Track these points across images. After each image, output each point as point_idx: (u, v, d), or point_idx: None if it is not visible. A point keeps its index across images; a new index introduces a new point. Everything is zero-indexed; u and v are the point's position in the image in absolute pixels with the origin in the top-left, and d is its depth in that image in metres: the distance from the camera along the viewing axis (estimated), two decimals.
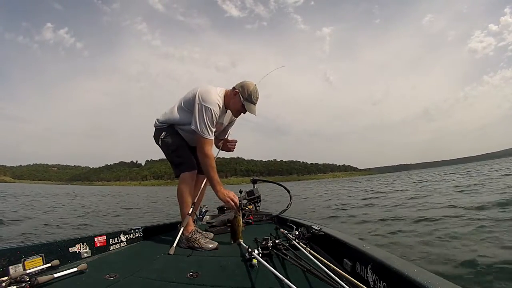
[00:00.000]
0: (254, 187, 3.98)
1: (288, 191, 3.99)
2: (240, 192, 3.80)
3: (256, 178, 4.27)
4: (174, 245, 2.29)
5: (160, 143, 2.61)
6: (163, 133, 2.58)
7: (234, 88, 2.50)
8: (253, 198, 3.83)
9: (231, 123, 2.85)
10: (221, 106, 2.45)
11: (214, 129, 2.43)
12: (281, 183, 4.40)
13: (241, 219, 2.50)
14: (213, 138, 2.44)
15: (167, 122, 2.60)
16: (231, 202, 2.41)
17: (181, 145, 2.59)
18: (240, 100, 2.44)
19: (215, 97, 2.40)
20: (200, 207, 2.80)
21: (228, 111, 2.62)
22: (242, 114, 2.60)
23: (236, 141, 2.90)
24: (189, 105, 2.46)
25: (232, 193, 2.44)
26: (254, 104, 2.49)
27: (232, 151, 2.93)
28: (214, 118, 2.39)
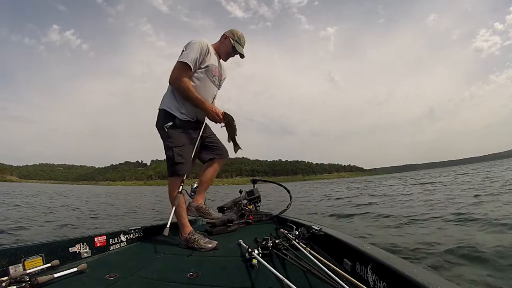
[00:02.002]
0: (254, 187, 3.97)
1: (288, 191, 3.97)
2: (240, 192, 3.82)
3: (256, 178, 4.25)
4: (168, 225, 2.28)
5: (165, 130, 2.50)
6: (170, 123, 2.49)
7: (223, 34, 2.73)
8: (253, 198, 3.80)
9: (223, 77, 2.87)
10: (210, 48, 2.57)
11: (196, 59, 2.44)
12: (281, 183, 4.37)
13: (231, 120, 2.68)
14: (191, 65, 2.42)
15: (173, 101, 2.53)
16: (216, 117, 2.57)
17: (187, 144, 2.55)
18: (231, 42, 2.67)
19: (203, 39, 2.53)
20: (191, 184, 2.77)
21: (221, 62, 2.76)
22: (231, 58, 2.78)
23: (223, 112, 2.66)
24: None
25: (219, 109, 2.59)
26: (242, 46, 2.74)
27: (217, 121, 2.67)
28: (200, 50, 2.46)
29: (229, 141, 2.80)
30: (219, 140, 2.95)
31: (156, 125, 2.59)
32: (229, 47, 2.69)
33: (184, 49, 2.48)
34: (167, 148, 2.51)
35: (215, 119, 2.59)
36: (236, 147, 2.84)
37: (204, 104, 2.51)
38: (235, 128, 2.73)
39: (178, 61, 2.44)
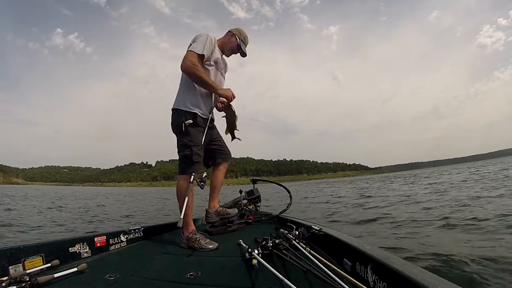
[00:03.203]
0: (254, 187, 3.95)
1: (288, 191, 3.96)
2: (240, 192, 3.80)
3: (256, 178, 4.23)
4: (182, 216, 2.31)
5: (183, 128, 2.48)
6: (191, 121, 2.49)
7: (229, 31, 2.85)
8: (253, 198, 3.79)
9: (226, 71, 2.93)
10: (216, 42, 2.67)
11: (207, 51, 2.50)
12: (281, 183, 4.36)
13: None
14: (203, 54, 2.48)
15: (192, 99, 2.54)
16: (230, 96, 2.67)
17: (202, 143, 2.58)
18: (237, 40, 2.79)
19: (210, 33, 2.62)
20: (201, 175, 2.81)
21: (223, 57, 2.82)
22: (233, 54, 2.88)
23: (225, 101, 2.80)
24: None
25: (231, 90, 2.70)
26: (246, 46, 2.89)
27: (220, 110, 2.87)
28: (209, 42, 2.53)
29: (226, 133, 2.93)
30: (224, 142, 3.02)
31: (173, 123, 2.57)
32: (235, 44, 2.80)
33: (192, 42, 2.52)
34: (185, 146, 2.50)
35: (229, 97, 2.68)
36: (233, 138, 2.98)
37: (217, 87, 2.59)
38: (235, 122, 2.87)
39: (189, 50, 2.47)
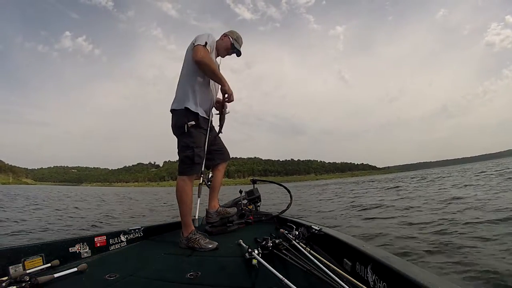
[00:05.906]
0: (254, 187, 3.96)
1: (289, 191, 3.95)
2: (240, 192, 3.80)
3: (256, 178, 4.24)
4: (196, 216, 2.47)
5: (185, 129, 2.46)
6: (193, 122, 2.48)
7: (223, 34, 2.94)
8: (253, 198, 3.79)
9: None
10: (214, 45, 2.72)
11: (209, 45, 2.52)
12: (281, 183, 4.35)
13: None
14: (209, 49, 2.51)
15: (194, 100, 2.53)
16: (232, 96, 2.78)
17: (204, 144, 2.59)
18: (230, 40, 2.87)
19: (211, 33, 2.66)
20: (207, 174, 2.91)
21: (217, 60, 2.84)
22: (228, 55, 2.94)
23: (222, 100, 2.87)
24: (189, 56, 2.58)
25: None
26: (240, 45, 2.95)
27: (217, 108, 2.94)
28: (210, 40, 2.56)
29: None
30: (223, 143, 3.05)
31: (176, 124, 2.55)
32: (229, 43, 2.86)
33: (195, 41, 2.52)
34: (186, 147, 2.49)
35: (231, 94, 2.75)
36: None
37: (225, 81, 2.65)
38: (223, 123, 2.97)
39: (197, 44, 2.47)
